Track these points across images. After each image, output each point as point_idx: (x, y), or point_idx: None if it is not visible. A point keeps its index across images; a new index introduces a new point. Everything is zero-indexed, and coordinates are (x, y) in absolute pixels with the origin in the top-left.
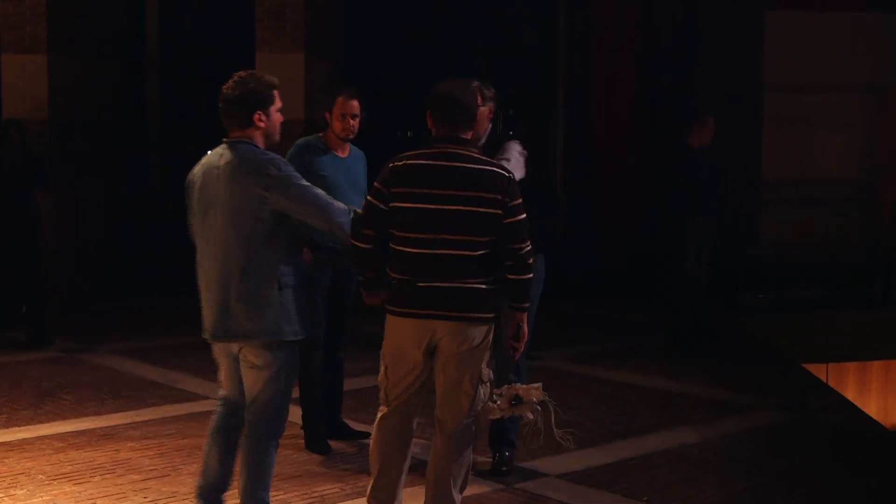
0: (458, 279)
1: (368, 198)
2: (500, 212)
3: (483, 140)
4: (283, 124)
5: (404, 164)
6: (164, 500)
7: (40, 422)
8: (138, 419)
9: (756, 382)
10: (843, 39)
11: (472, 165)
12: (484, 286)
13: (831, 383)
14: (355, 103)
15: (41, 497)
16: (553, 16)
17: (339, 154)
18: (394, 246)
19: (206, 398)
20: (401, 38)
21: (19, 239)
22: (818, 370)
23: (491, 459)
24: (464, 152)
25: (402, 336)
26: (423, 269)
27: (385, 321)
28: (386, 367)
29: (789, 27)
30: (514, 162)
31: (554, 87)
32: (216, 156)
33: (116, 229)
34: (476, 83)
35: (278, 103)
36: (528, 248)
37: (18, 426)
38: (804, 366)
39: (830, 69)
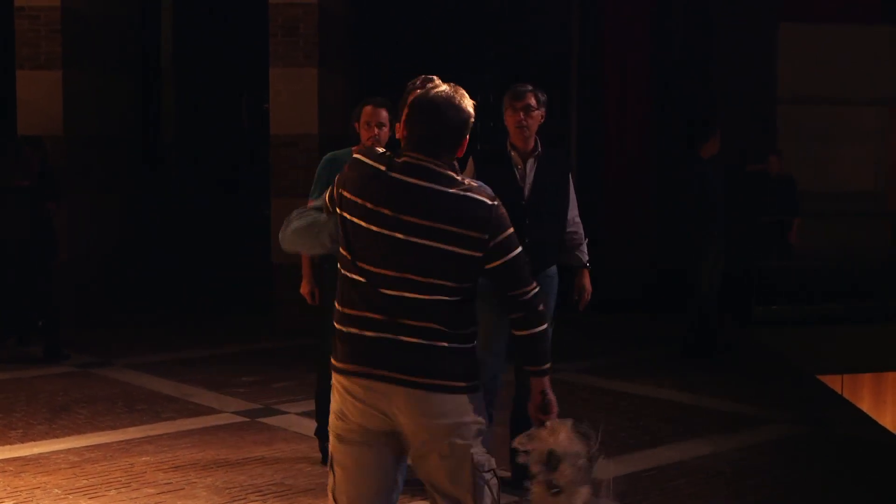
0: (439, 332)
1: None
2: (467, 253)
3: (539, 150)
4: (295, 138)
5: (353, 165)
6: None
7: (56, 436)
8: (153, 433)
9: (770, 395)
10: (858, 52)
11: (448, 189)
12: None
13: (846, 395)
14: (384, 112)
15: None
16: (566, 29)
17: None
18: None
19: (221, 412)
20: (414, 51)
21: (33, 254)
22: (833, 382)
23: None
24: (441, 170)
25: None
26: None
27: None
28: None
29: (803, 39)
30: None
31: (567, 100)
32: None
33: (131, 243)
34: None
35: None
36: (536, 289)
37: (34, 440)
38: (819, 377)
39: (844, 81)
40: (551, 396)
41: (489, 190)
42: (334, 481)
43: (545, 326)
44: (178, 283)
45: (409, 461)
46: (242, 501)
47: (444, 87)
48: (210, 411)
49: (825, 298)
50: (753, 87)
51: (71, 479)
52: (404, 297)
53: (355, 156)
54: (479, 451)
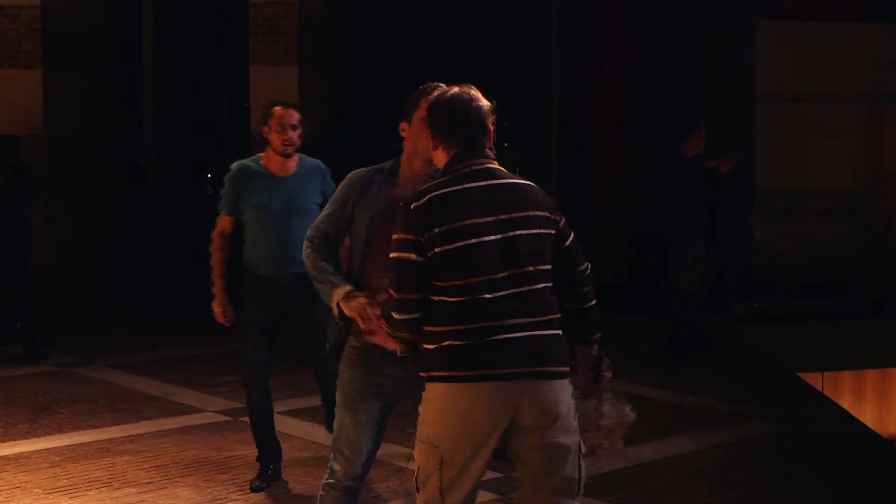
0: (542, 319)
1: (396, 255)
2: (553, 232)
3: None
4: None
5: (431, 197)
6: None
7: (37, 436)
8: (135, 432)
9: (750, 392)
10: (836, 49)
11: (516, 180)
12: (560, 331)
13: (827, 392)
14: (294, 113)
15: None
16: (547, 26)
17: (278, 174)
18: (445, 299)
19: (203, 411)
20: (394, 50)
21: (10, 254)
22: (813, 379)
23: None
24: (498, 167)
25: (473, 410)
26: (496, 315)
27: (431, 394)
28: (442, 461)
29: (782, 37)
30: None
31: (548, 97)
32: None
33: (112, 242)
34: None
35: None
36: (590, 267)
37: (15, 440)
38: (799, 375)
39: (823, 79)
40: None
41: None
42: (442, 484)
43: (596, 301)
44: (159, 283)
45: (515, 453)
46: (224, 500)
47: (455, 89)
48: (192, 410)
49: (805, 295)
50: (732, 85)
51: (52, 479)
52: (525, 291)
53: (412, 204)
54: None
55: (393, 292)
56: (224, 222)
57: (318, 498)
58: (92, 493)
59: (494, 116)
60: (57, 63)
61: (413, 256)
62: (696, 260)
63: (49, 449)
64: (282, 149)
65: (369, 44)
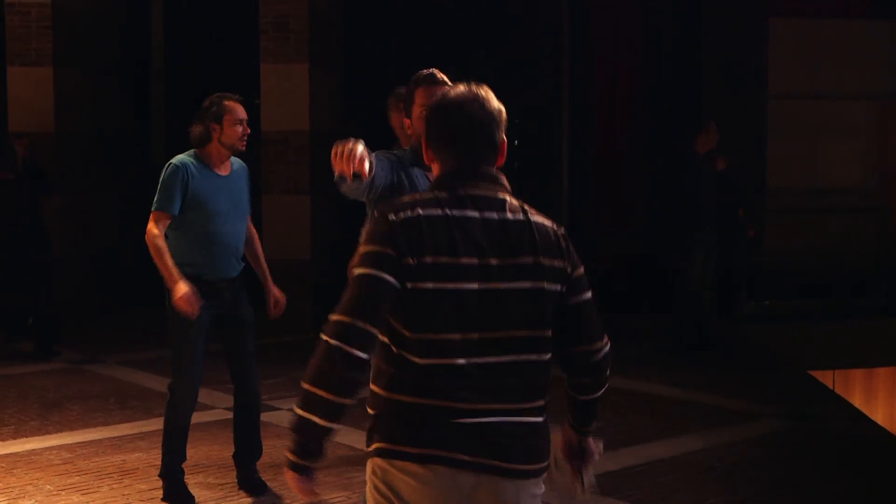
0: (523, 404)
1: (367, 271)
2: (561, 288)
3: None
4: (286, 135)
5: (422, 215)
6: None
7: (48, 432)
8: (146, 429)
9: (761, 390)
10: (847, 47)
11: (522, 217)
12: (544, 418)
13: (837, 390)
14: (243, 107)
15: None
16: (558, 25)
17: (221, 172)
18: (406, 355)
19: (213, 408)
20: (403, 48)
21: (24, 250)
22: (824, 377)
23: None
24: (503, 196)
25: (418, 498)
26: (467, 390)
27: (370, 471)
28: None
29: (793, 34)
30: None
31: (559, 98)
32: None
33: (122, 240)
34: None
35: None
36: (609, 345)
37: (26, 437)
38: (810, 373)
39: (834, 77)
40: (593, 445)
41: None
42: None
43: (607, 386)
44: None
45: None
46: (235, 497)
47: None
48: (202, 407)
49: (816, 293)
50: (743, 83)
51: (63, 476)
52: (505, 364)
53: (395, 214)
54: None
55: (340, 315)
56: (162, 220)
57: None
58: (103, 489)
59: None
60: (67, 60)
61: (388, 277)
62: (706, 258)
63: (60, 445)
64: (240, 144)
65: (377, 40)
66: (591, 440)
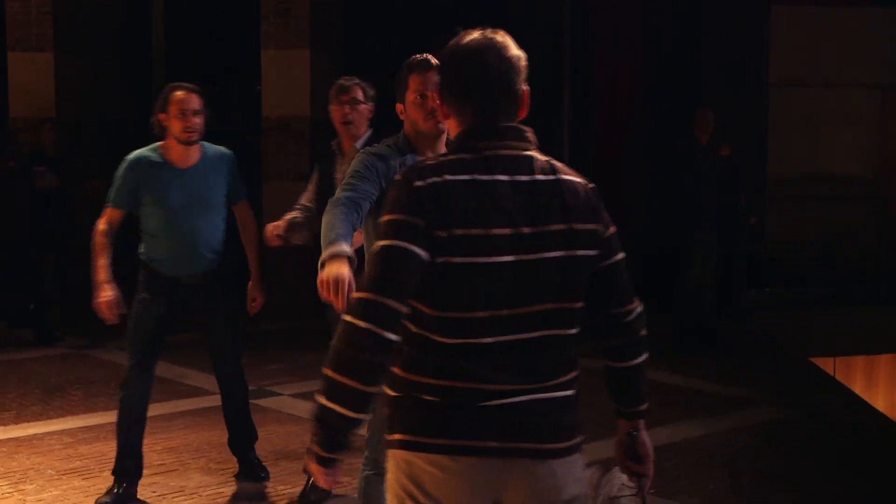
0: (552, 380)
1: (393, 242)
2: (596, 252)
3: (360, 145)
4: (287, 121)
5: (447, 180)
6: (172, 495)
7: (49, 417)
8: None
9: (762, 377)
10: (850, 35)
11: (552, 176)
12: (575, 391)
13: (839, 377)
14: (196, 98)
15: (51, 492)
16: (558, 25)
17: (179, 165)
18: (427, 334)
19: (214, 394)
20: (403, 33)
21: (32, 237)
22: (825, 364)
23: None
24: (531, 153)
25: (442, 490)
26: (494, 370)
27: (396, 464)
28: None
29: (795, 22)
30: None
31: (559, 98)
32: None
33: (123, 226)
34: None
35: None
36: (642, 307)
37: (28, 421)
38: (811, 360)
39: (837, 65)
40: (648, 443)
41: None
42: None
43: (646, 356)
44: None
45: None
46: (234, 483)
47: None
48: (203, 393)
49: (817, 282)
50: (744, 71)
51: (65, 460)
52: (536, 339)
53: (415, 182)
54: None
55: (365, 293)
56: (113, 216)
57: (361, 490)
58: (105, 474)
59: (372, 104)
60: (68, 46)
61: (417, 249)
62: (706, 258)
63: (62, 431)
64: (184, 136)
65: (378, 26)
66: (644, 433)
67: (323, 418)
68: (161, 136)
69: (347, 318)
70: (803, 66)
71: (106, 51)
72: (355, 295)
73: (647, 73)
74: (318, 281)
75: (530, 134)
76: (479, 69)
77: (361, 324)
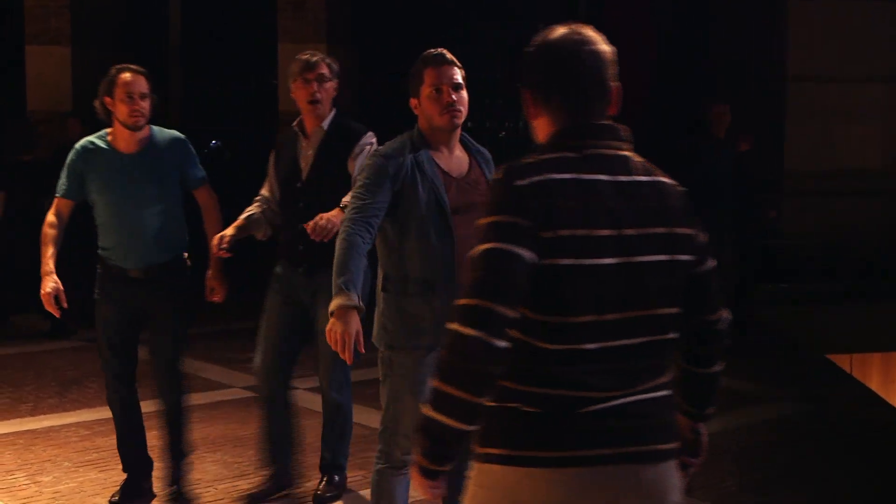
0: (651, 382)
1: (497, 245)
2: (692, 258)
3: (327, 125)
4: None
5: (539, 181)
6: (188, 488)
7: (66, 409)
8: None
9: (777, 373)
10: (868, 28)
11: (650, 177)
12: (671, 392)
13: (855, 374)
14: (143, 80)
15: (67, 484)
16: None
17: (125, 151)
18: (529, 340)
19: (230, 387)
20: (417, 26)
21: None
22: (842, 361)
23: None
24: (627, 152)
25: None
26: (598, 377)
27: (480, 479)
28: None
29: (814, 15)
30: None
31: None
32: None
33: None
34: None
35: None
36: (730, 314)
37: (45, 413)
38: (828, 356)
39: (855, 58)
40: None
41: None
42: None
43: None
44: (188, 259)
45: None
46: (251, 476)
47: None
48: (218, 386)
49: (833, 277)
50: (761, 65)
51: (81, 452)
52: (643, 345)
53: (516, 181)
54: None
55: (471, 299)
56: (61, 206)
57: (374, 483)
58: (121, 466)
59: (337, 81)
60: (85, 40)
61: (523, 252)
62: (717, 247)
63: (78, 423)
64: (130, 120)
65: (391, 19)
66: (705, 432)
67: (429, 432)
68: (107, 121)
69: (454, 326)
70: (821, 58)
71: (123, 44)
72: (460, 302)
73: (647, 76)
74: (327, 331)
75: (626, 132)
76: (575, 66)
77: (470, 332)
